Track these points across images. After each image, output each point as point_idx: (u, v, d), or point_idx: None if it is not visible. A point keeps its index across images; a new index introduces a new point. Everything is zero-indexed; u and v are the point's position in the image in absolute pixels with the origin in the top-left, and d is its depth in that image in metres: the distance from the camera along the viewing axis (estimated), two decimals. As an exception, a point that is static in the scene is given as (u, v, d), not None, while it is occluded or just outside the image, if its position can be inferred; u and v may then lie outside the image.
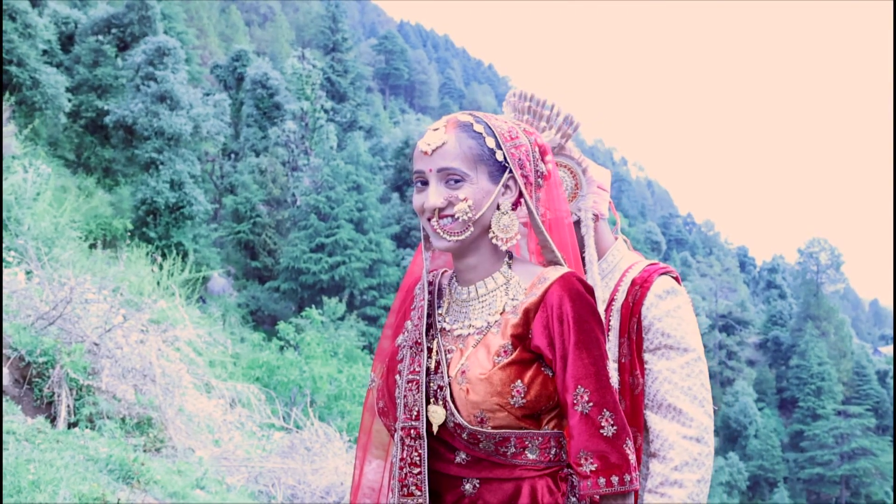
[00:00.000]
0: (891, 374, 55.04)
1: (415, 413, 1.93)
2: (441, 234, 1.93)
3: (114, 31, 27.34)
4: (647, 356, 2.38)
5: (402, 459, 1.94)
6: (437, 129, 1.95)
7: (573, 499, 1.91)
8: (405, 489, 1.92)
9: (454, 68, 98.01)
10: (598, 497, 1.89)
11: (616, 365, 2.33)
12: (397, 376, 2.01)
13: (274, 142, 33.05)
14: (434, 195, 1.92)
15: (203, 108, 26.53)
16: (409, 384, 1.95)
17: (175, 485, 5.37)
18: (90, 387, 6.24)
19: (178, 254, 18.14)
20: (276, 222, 32.38)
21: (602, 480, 1.82)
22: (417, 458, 1.91)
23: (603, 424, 1.84)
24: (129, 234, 21.12)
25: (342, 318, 26.54)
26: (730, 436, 49.65)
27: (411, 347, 1.99)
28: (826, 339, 54.50)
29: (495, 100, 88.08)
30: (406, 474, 1.92)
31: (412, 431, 1.93)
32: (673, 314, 2.40)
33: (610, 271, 2.47)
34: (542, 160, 2.03)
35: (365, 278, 30.97)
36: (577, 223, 2.41)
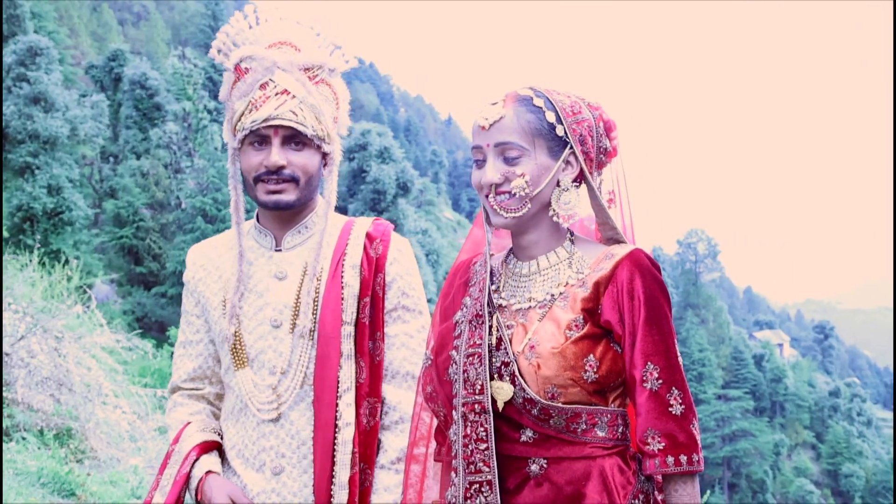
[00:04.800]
0: (766, 357, 57.73)
1: (478, 387, 1.85)
2: (498, 210, 1.88)
3: (-20, 30, 26.01)
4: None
5: (465, 436, 1.85)
6: (495, 104, 1.89)
7: (643, 477, 1.87)
8: (471, 466, 1.84)
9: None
10: (660, 478, 1.86)
11: (351, 329, 2.23)
12: (453, 352, 1.92)
13: (155, 144, 31.89)
14: (491, 171, 1.87)
15: (79, 109, 25.57)
16: (470, 358, 1.87)
17: (111, 496, 5.10)
18: (4, 398, 5.87)
19: (63, 262, 17.32)
20: (160, 226, 31.28)
21: (671, 459, 1.78)
22: (484, 434, 1.83)
23: (672, 403, 1.79)
24: (4, 242, 20.13)
25: (234, 323, 25.90)
26: (617, 424, 50.99)
27: (471, 321, 1.91)
28: (705, 326, 56.65)
29: (377, 98, 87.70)
30: (472, 451, 1.84)
31: (476, 406, 1.84)
32: (411, 272, 2.32)
33: (332, 225, 2.32)
34: (608, 136, 1.97)
35: (256, 281, 30.31)
36: (326, 155, 2.28)
